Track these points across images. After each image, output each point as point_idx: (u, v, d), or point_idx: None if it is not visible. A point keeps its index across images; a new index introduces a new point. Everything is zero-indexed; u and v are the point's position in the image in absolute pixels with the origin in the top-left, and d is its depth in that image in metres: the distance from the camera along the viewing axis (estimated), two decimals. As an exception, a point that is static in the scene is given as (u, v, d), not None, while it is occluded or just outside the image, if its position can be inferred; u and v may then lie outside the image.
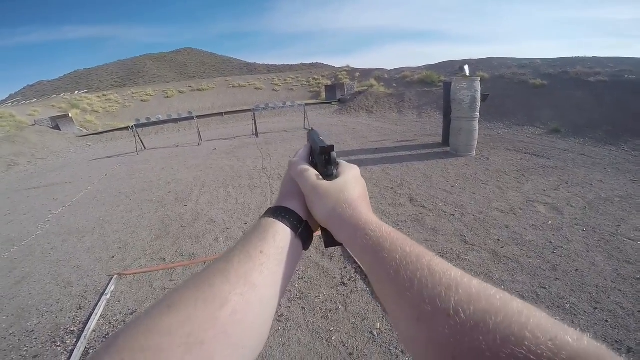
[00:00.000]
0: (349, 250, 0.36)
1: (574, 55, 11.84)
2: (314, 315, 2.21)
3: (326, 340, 1.98)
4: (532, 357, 0.20)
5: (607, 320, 1.95)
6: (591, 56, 11.45)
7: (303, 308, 2.29)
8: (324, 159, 0.44)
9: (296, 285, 2.53)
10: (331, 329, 2.07)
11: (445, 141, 6.21)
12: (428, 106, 10.70)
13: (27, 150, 10.17)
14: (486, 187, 4.12)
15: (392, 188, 4.34)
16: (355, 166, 0.46)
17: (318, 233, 0.43)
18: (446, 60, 16.60)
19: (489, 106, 7.26)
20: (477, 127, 5.56)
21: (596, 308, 2.05)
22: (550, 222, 3.14)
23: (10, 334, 2.34)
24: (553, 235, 2.91)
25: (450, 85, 5.83)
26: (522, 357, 0.20)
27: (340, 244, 0.39)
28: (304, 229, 0.39)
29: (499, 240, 2.90)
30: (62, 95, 23.29)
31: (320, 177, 0.43)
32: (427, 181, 4.49)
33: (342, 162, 0.47)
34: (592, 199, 3.54)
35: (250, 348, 0.28)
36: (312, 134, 0.54)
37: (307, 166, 0.45)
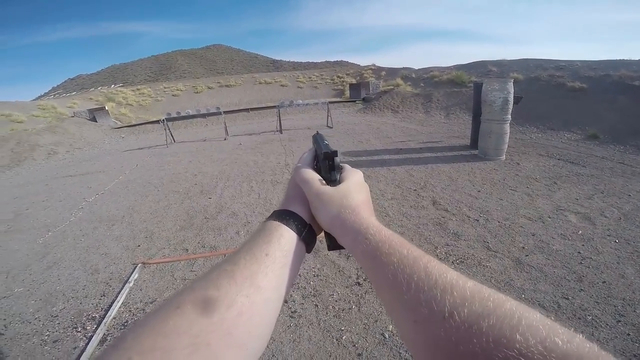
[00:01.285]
0: (353, 256, 0.35)
1: (617, 58, 11.11)
2: (327, 313, 2.22)
3: (336, 340, 1.99)
4: (522, 359, 0.20)
5: (629, 334, 1.85)
6: (637, 59, 10.70)
7: (316, 305, 2.30)
8: (327, 165, 0.45)
9: (311, 283, 2.55)
10: (342, 328, 2.07)
11: (474, 144, 6.02)
12: (457, 107, 10.41)
13: (66, 140, 10.82)
14: (514, 193, 3.96)
15: (415, 190, 4.27)
16: (359, 171, 0.47)
17: (322, 235, 0.43)
18: (477, 60, 16.04)
19: (522, 109, 6.96)
20: (508, 131, 5.35)
21: (619, 321, 1.95)
22: (580, 232, 2.98)
23: (36, 318, 2.45)
24: (582, 245, 2.76)
25: (481, 86, 5.63)
26: None
27: (342, 248, 0.40)
28: (307, 233, 0.40)
29: (523, 248, 2.79)
30: (99, 88, 24.57)
31: (324, 182, 0.44)
32: (452, 184, 4.38)
33: (346, 167, 0.47)
34: (628, 210, 3.32)
35: (253, 349, 0.29)
36: (317, 138, 0.54)
37: (311, 172, 0.45)
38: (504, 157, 5.39)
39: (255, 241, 0.36)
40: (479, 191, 4.09)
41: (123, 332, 0.25)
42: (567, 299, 2.17)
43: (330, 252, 2.86)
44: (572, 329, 0.22)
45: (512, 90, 5.22)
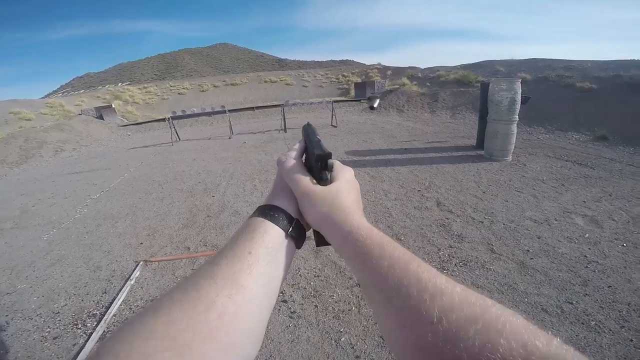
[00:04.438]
0: (340, 256, 0.34)
1: (628, 58, 10.89)
2: (326, 314, 2.20)
3: (335, 341, 1.97)
4: None
5: (632, 340, 1.82)
6: (650, 58, 10.48)
7: (316, 306, 2.29)
8: (320, 166, 0.42)
9: (311, 283, 2.54)
10: (341, 329, 2.05)
11: (480, 144, 5.95)
12: (463, 107, 10.30)
13: (73, 137, 10.91)
14: (520, 195, 3.90)
15: (419, 190, 4.23)
16: (350, 169, 0.45)
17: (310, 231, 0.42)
18: (485, 60, 15.86)
19: (530, 109, 6.85)
20: (515, 131, 5.28)
21: (623, 327, 1.91)
22: (587, 235, 2.92)
23: (38, 314, 2.47)
24: (589, 249, 2.71)
25: (488, 85, 5.57)
26: None
27: (330, 244, 0.39)
28: (295, 228, 0.39)
29: (528, 251, 2.74)
30: (106, 86, 24.79)
31: (314, 180, 0.41)
32: (457, 185, 4.33)
33: (336, 163, 0.45)
34: (637, 214, 3.25)
35: (243, 350, 0.28)
36: (307, 130, 0.50)
37: (299, 168, 0.43)
38: (510, 158, 5.32)
39: (237, 240, 0.35)
40: (484, 192, 4.03)
41: (107, 337, 0.25)
42: (571, 303, 2.13)
43: (331, 251, 2.84)
44: (575, 334, 0.21)
45: (519, 90, 5.14)
